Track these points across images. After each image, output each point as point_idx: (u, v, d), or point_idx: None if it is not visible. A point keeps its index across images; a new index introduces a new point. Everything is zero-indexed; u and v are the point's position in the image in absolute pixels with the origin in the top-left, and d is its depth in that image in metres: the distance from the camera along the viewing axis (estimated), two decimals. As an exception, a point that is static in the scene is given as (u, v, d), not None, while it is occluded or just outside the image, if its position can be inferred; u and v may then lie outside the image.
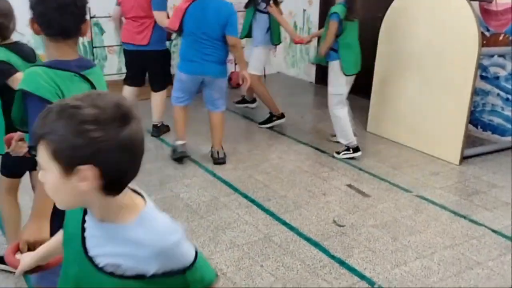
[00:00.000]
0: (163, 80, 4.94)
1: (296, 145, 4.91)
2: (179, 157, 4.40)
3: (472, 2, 4.44)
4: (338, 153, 4.62)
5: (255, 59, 5.31)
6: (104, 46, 6.31)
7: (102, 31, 6.24)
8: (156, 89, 4.92)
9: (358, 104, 6.22)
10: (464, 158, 4.53)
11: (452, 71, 4.41)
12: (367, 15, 6.21)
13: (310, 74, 7.26)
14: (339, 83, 4.47)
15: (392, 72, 4.96)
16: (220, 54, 4.14)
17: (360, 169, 4.37)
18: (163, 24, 4.46)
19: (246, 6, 5.41)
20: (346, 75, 4.45)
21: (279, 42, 5.51)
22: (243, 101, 6.10)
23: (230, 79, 6.32)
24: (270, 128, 5.35)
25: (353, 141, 4.55)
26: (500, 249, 3.21)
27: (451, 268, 3.00)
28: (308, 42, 5.47)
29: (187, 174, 4.18)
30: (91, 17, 5.89)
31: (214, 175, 4.17)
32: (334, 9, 4.32)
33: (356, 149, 4.57)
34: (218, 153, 4.41)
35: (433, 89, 4.59)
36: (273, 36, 5.26)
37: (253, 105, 6.08)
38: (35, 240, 1.64)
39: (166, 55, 4.99)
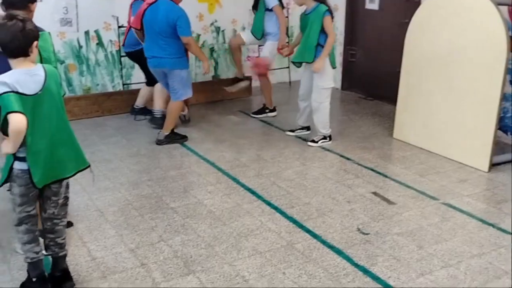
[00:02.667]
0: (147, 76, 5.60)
1: (320, 152, 4.89)
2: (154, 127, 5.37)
3: (500, 6, 4.36)
4: (315, 141, 5.01)
5: (267, 52, 5.66)
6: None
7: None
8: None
9: (385, 110, 6.20)
10: (492, 165, 4.43)
11: (480, 76, 4.33)
12: (394, 21, 6.19)
13: (336, 80, 7.21)
14: (329, 77, 4.85)
15: (419, 78, 4.90)
16: (173, 49, 4.78)
17: (386, 176, 4.32)
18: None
19: (255, 7, 5.67)
20: (333, 68, 4.85)
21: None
22: None
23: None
24: (293, 132, 5.34)
25: (330, 131, 5.04)
26: (530, 258, 3.13)
27: (478, 277, 2.93)
28: (288, 55, 5.46)
29: (210, 181, 4.21)
30: (119, 27, 6.00)
31: (238, 182, 4.18)
32: (322, 8, 4.65)
33: (330, 137, 5.06)
34: (159, 133, 5.08)
35: (461, 94, 4.51)
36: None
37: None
38: None
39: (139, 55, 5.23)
